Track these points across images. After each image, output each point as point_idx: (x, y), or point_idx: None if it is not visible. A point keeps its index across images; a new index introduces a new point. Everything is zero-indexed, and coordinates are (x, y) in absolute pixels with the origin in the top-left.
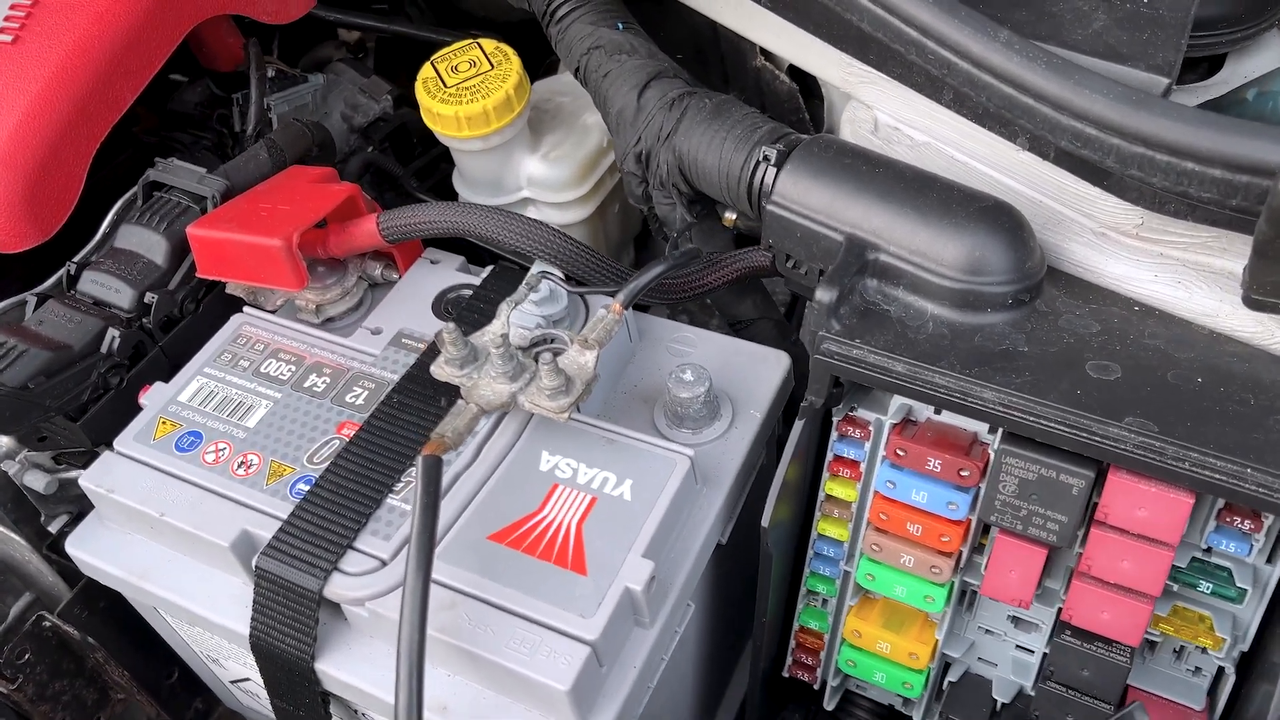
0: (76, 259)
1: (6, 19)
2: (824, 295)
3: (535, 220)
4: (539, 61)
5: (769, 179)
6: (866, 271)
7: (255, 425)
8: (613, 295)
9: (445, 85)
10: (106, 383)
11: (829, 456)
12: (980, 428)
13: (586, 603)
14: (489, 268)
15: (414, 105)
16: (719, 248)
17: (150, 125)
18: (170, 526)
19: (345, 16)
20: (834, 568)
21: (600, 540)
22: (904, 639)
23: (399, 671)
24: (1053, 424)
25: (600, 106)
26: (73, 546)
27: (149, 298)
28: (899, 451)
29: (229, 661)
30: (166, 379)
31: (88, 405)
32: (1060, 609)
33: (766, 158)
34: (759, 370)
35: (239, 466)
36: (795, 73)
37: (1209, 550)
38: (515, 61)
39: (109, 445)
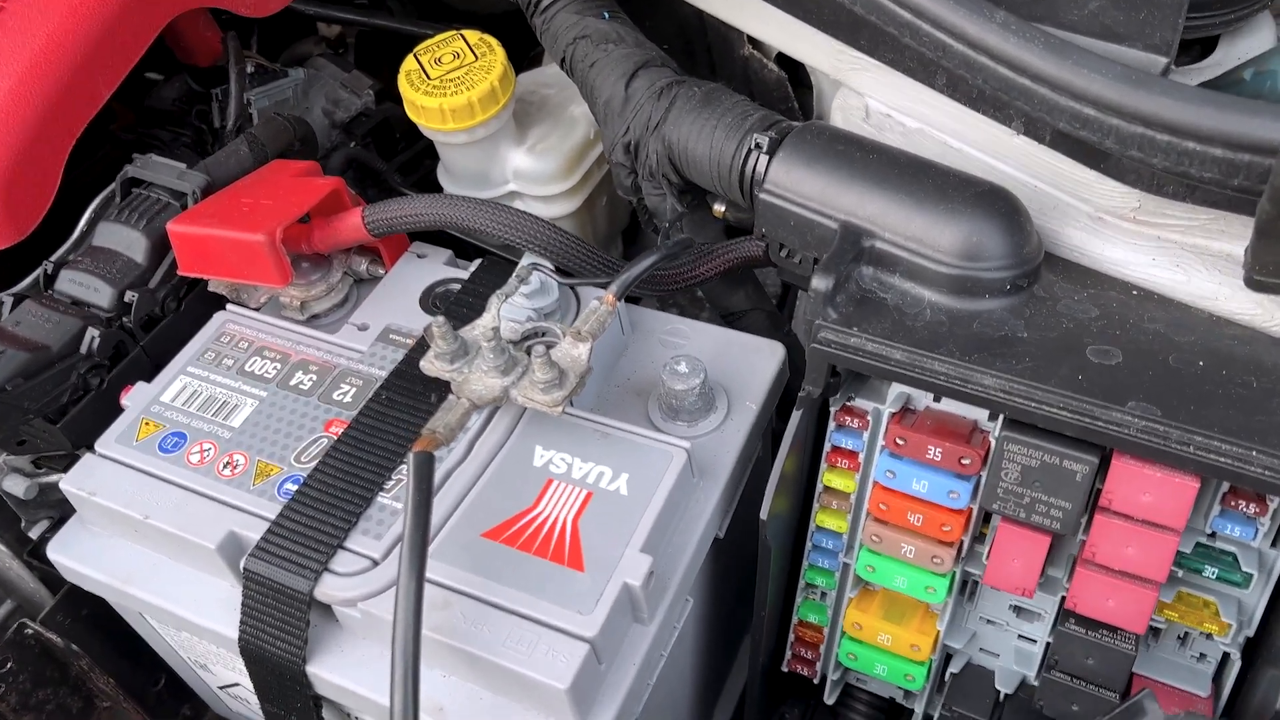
0: (53, 258)
1: None
2: (820, 283)
3: (524, 212)
4: (522, 54)
5: (761, 167)
6: (862, 259)
7: (241, 425)
8: (604, 287)
9: (429, 77)
10: (87, 384)
11: (827, 447)
12: (980, 415)
13: (584, 599)
14: (477, 261)
15: (396, 100)
16: (710, 238)
17: (127, 122)
18: (155, 529)
19: (325, 10)
20: (833, 560)
21: (597, 535)
22: (905, 631)
23: (394, 673)
24: (1055, 409)
25: (587, 97)
26: (54, 552)
27: (129, 296)
28: (899, 440)
29: (217, 666)
30: (148, 379)
31: (67, 407)
32: (1063, 597)
33: (758, 145)
34: (754, 361)
35: (225, 467)
36: (783, 62)
37: (1213, 535)
38: (500, 53)
39: (89, 448)
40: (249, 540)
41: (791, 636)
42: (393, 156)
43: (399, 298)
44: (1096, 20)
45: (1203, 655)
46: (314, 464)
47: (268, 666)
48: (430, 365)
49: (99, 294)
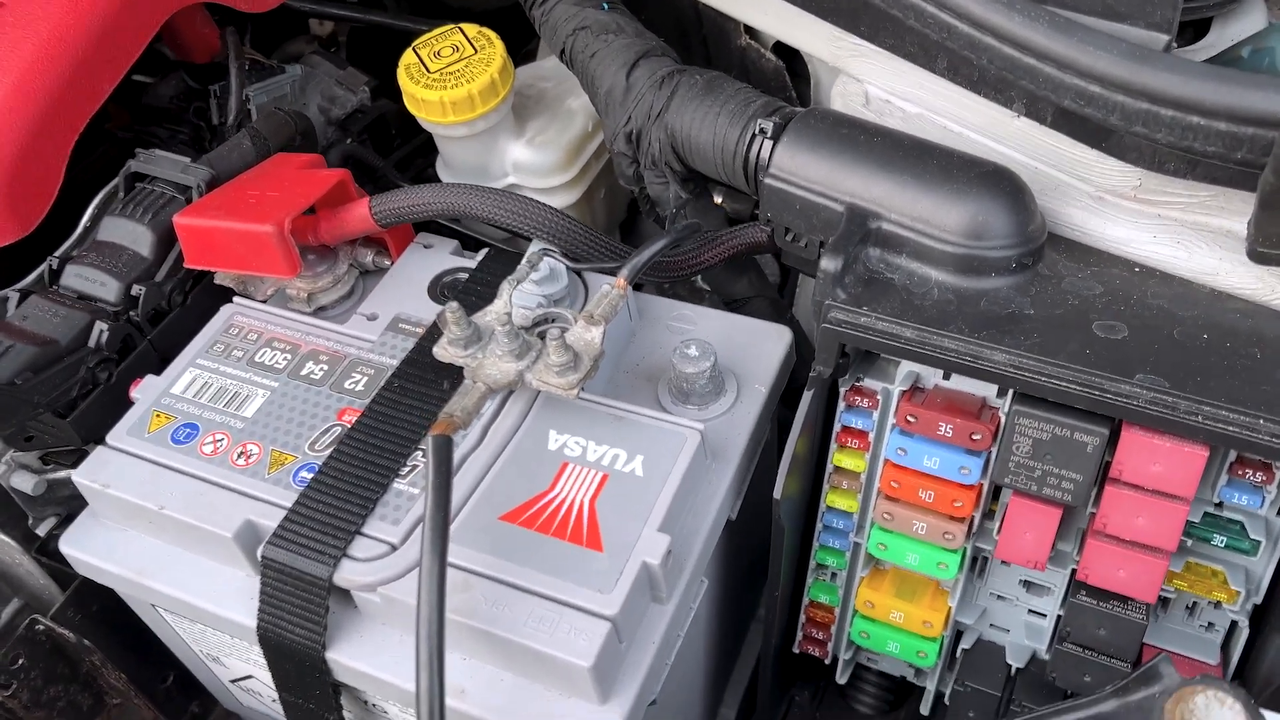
0: (58, 253)
1: None
2: (829, 264)
3: (530, 199)
4: (516, 49)
5: (765, 152)
6: (869, 240)
7: (253, 415)
8: (612, 273)
9: (428, 70)
10: (95, 378)
11: (836, 427)
12: (989, 392)
13: (604, 578)
14: (484, 250)
15: (391, 97)
16: (711, 226)
17: (121, 123)
18: (170, 520)
19: (320, 7)
20: (843, 540)
21: (614, 516)
22: (917, 607)
23: (419, 654)
24: (1065, 383)
25: (588, 88)
26: (67, 545)
27: (136, 290)
28: (910, 418)
29: (230, 659)
30: (156, 373)
31: (76, 401)
32: (1074, 570)
33: (763, 131)
34: (761, 345)
35: (239, 457)
36: (779, 51)
37: (1220, 505)
38: (499, 46)
39: (98, 442)
40: (265, 529)
41: (803, 618)
42: (388, 153)
43: (407, 287)
44: (1099, 0)
45: (1211, 624)
46: (329, 452)
47: (287, 654)
48: (444, 351)
49: (105, 288)
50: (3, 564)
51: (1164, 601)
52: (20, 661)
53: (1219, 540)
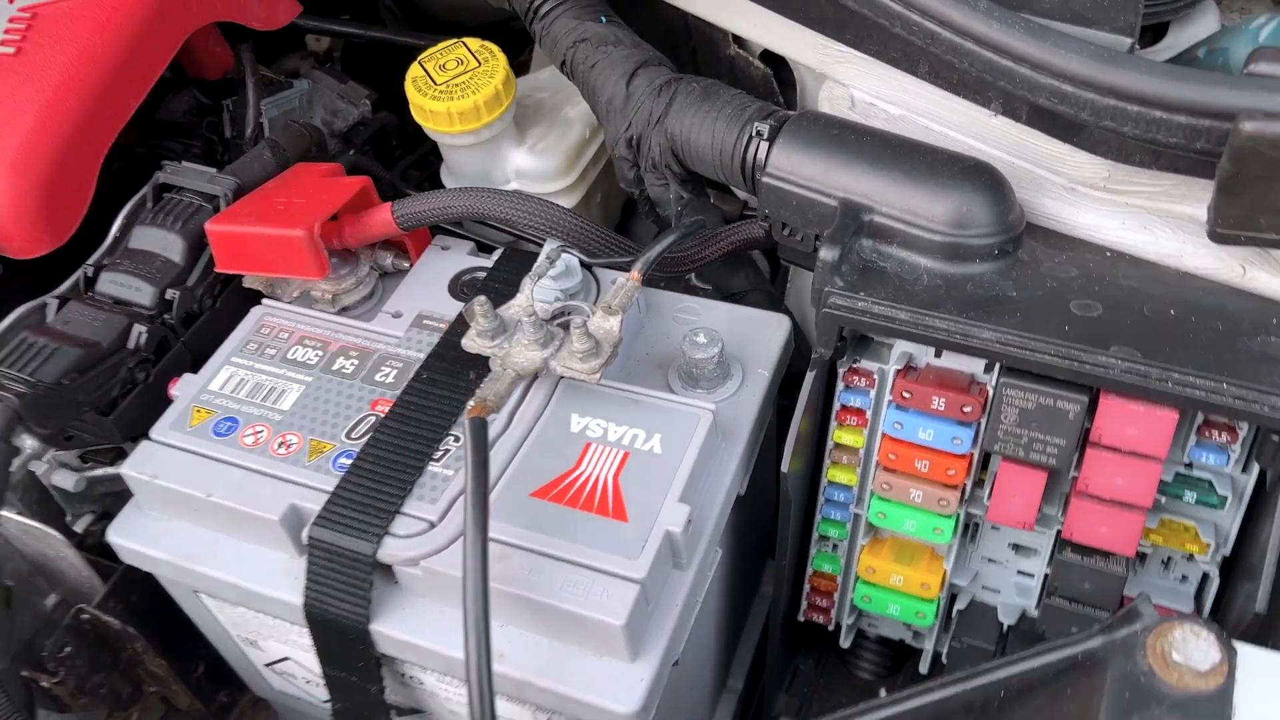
0: (91, 261)
1: (6, 31)
2: (827, 255)
3: (544, 200)
4: (510, 61)
5: (762, 153)
6: (862, 232)
7: (290, 407)
8: (622, 268)
9: (435, 83)
10: (133, 378)
11: (836, 407)
12: (976, 368)
13: (631, 545)
14: (499, 250)
15: (389, 110)
16: (711, 224)
17: (129, 140)
18: (217, 506)
19: (323, 24)
20: (844, 512)
21: (637, 490)
22: (915, 571)
23: (466, 617)
24: (1047, 356)
25: (588, 96)
26: (114, 535)
27: (170, 294)
28: (905, 394)
29: (268, 641)
30: (190, 372)
31: (117, 400)
32: (1058, 532)
33: (760, 133)
34: (763, 332)
35: (279, 446)
36: (766, 59)
37: (1190, 465)
38: (501, 58)
39: (134, 439)
40: (309, 512)
41: (807, 587)
42: (389, 163)
43: (428, 286)
44: (1067, 7)
45: (1184, 577)
46: (365, 439)
47: (332, 629)
48: (472, 342)
49: (140, 293)
50: (45, 558)
51: (1141, 557)
52: (67, 650)
53: (1190, 497)
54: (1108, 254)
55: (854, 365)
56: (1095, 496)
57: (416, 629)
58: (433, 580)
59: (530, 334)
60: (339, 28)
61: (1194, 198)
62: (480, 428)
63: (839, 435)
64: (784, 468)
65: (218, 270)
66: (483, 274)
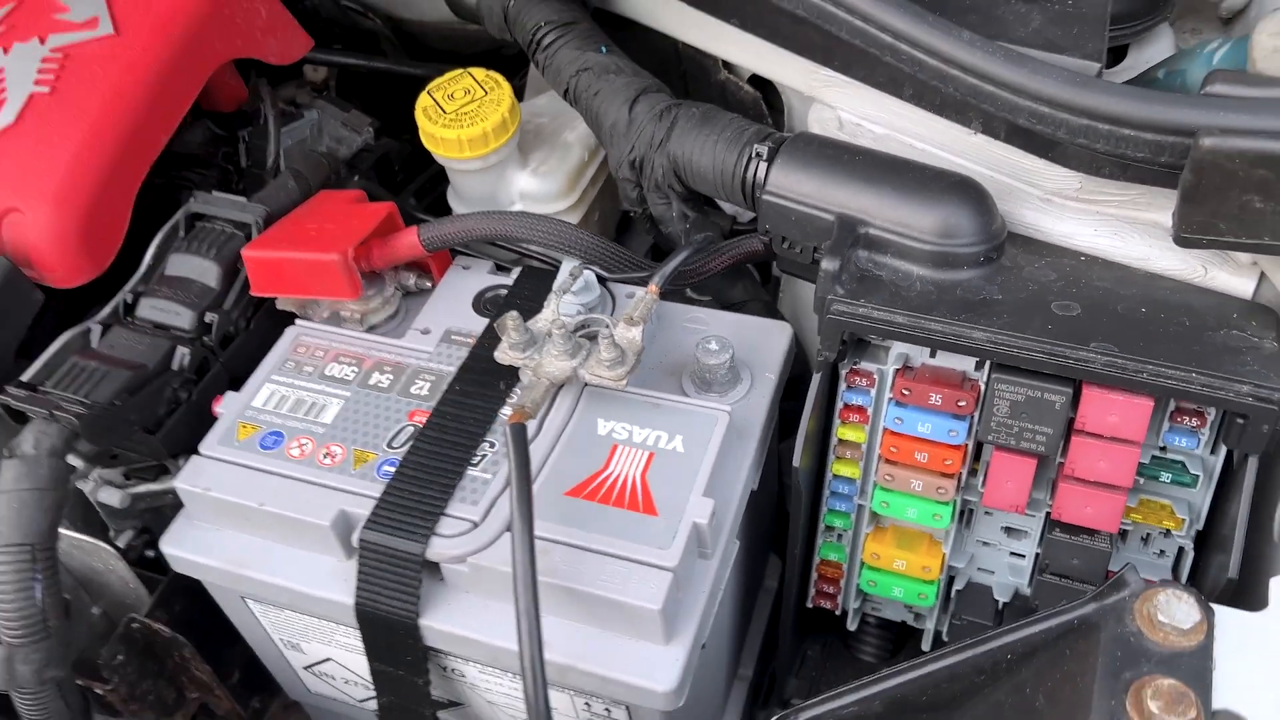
0: (128, 288)
1: (40, 71)
2: (828, 265)
3: (561, 220)
4: None
5: (762, 173)
6: (858, 244)
7: (332, 420)
8: (638, 283)
9: (445, 111)
10: (177, 397)
11: (839, 405)
12: (968, 365)
13: (662, 537)
14: (517, 269)
15: (390, 137)
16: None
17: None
18: (269, 515)
19: (330, 56)
20: (848, 504)
21: (664, 487)
22: (917, 555)
23: (518, 604)
24: (1034, 353)
25: (591, 122)
26: (167, 546)
27: (209, 318)
28: (904, 391)
29: (310, 644)
30: (228, 390)
31: (163, 419)
32: (1047, 514)
33: (759, 154)
34: (767, 339)
35: (324, 457)
36: (754, 83)
37: (1164, 449)
38: (506, 87)
39: (174, 456)
40: (358, 516)
41: (814, 575)
42: (392, 187)
43: (453, 304)
44: (1040, 35)
45: (1162, 551)
46: (406, 447)
47: (382, 625)
48: (505, 355)
49: (180, 317)
50: (93, 571)
51: (1123, 534)
52: (120, 658)
53: (1165, 477)
54: (1082, 258)
55: (854, 367)
56: (1080, 479)
57: (464, 622)
58: (478, 575)
59: (560, 345)
60: (339, 58)
61: (1159, 206)
62: (521, 432)
63: (842, 432)
64: (795, 463)
65: (254, 293)
66: (503, 291)
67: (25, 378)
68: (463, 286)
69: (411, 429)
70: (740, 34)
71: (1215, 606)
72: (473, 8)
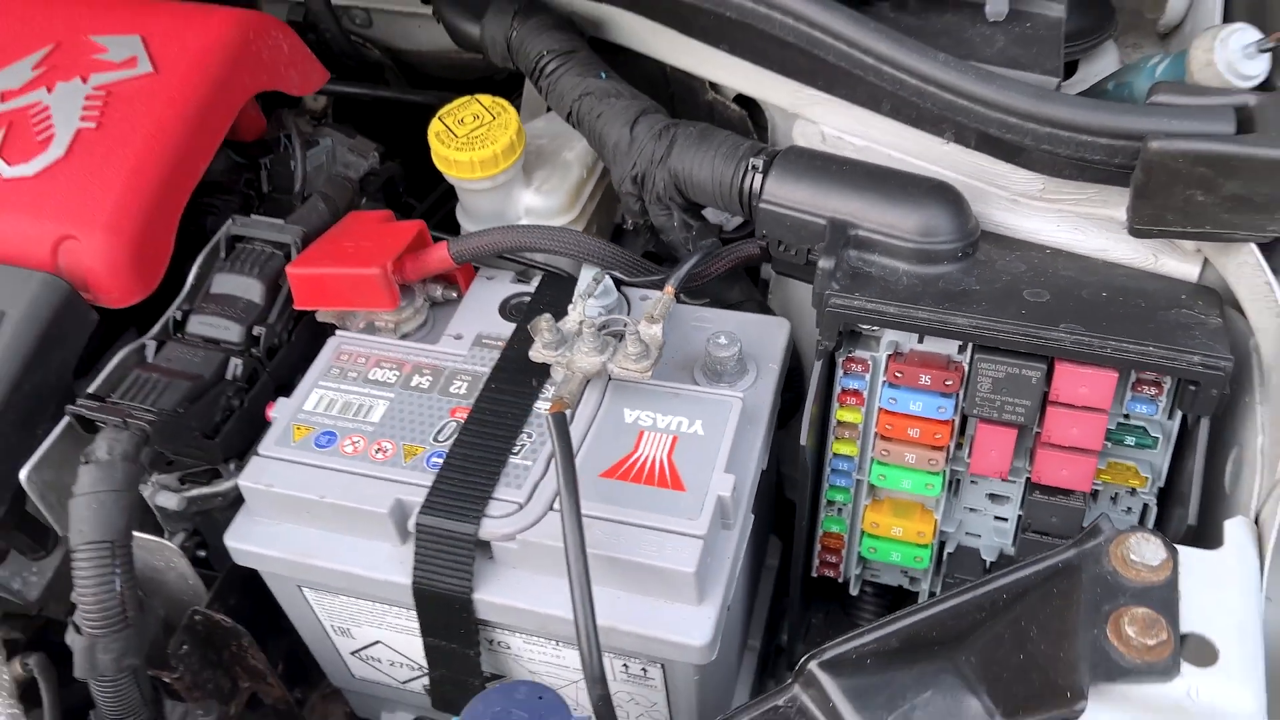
0: (176, 306)
1: (85, 109)
2: (825, 264)
3: (580, 232)
4: None
5: (757, 184)
6: (849, 245)
7: (380, 420)
8: (654, 287)
9: (456, 135)
10: (231, 405)
11: (837, 390)
12: (952, 349)
13: (691, 509)
14: (538, 277)
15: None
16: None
17: None
18: (330, 506)
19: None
20: (848, 479)
21: (689, 466)
22: (912, 522)
23: (570, 569)
24: (1011, 335)
25: (595, 143)
26: (231, 540)
27: (256, 331)
28: (897, 374)
29: (361, 628)
30: (277, 397)
31: (219, 425)
32: (1028, 479)
33: (754, 167)
34: (768, 334)
35: (376, 452)
36: (739, 101)
37: (1128, 416)
38: (512, 111)
39: (226, 460)
40: (412, 504)
41: (818, 546)
42: (399, 208)
43: (481, 311)
44: (1004, 54)
45: (1129, 509)
46: (451, 440)
47: (438, 602)
48: (539, 353)
49: (229, 331)
50: (153, 569)
51: (1095, 494)
52: (185, 648)
53: (1130, 441)
54: (1049, 251)
55: (850, 355)
56: (1056, 445)
57: (514, 594)
58: (526, 551)
59: (590, 342)
60: (343, 88)
61: (1114, 203)
62: (561, 419)
63: (841, 414)
64: (802, 442)
65: (296, 307)
66: (527, 298)
67: (90, 390)
68: (489, 295)
69: (454, 424)
70: (728, 58)
71: (1179, 546)
72: (476, 39)
